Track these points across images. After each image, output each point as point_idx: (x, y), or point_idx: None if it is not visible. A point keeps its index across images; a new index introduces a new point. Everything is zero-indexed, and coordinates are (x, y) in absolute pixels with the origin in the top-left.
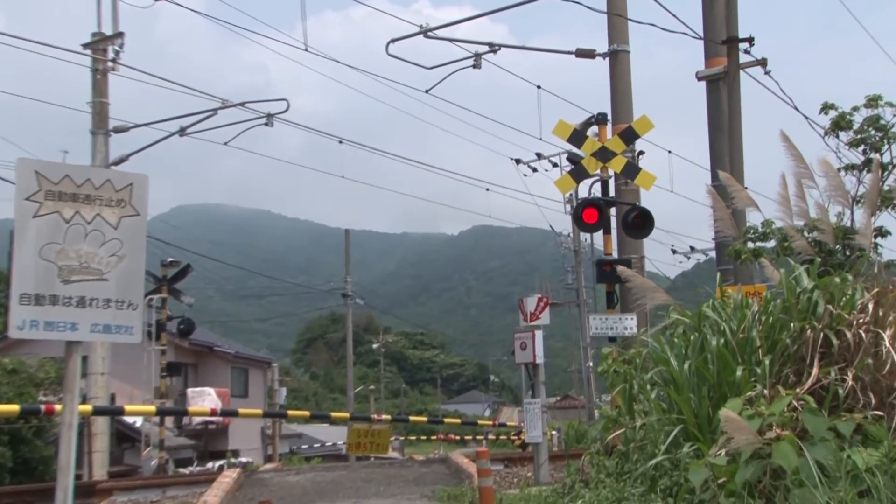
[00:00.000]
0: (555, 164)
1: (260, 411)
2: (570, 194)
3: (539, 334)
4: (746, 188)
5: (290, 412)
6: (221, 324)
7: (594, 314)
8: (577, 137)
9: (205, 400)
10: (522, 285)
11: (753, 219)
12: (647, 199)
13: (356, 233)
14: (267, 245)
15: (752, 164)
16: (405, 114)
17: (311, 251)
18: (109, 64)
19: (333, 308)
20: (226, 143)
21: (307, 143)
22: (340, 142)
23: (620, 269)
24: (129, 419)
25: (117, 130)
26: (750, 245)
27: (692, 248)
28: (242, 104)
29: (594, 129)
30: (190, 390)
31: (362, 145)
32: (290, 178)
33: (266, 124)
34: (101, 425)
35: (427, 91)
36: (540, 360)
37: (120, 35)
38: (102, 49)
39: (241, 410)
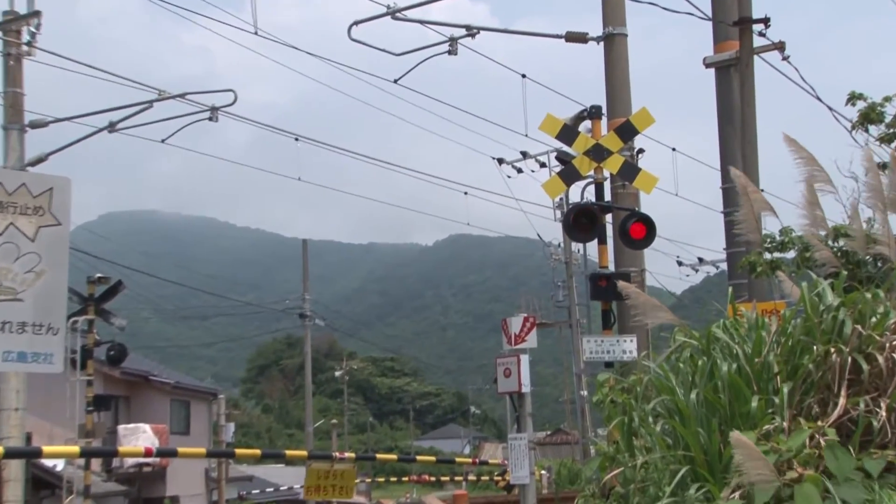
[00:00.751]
0: (542, 165)
1: (203, 450)
2: (560, 199)
3: (525, 359)
4: (762, 190)
5: (239, 451)
6: (159, 350)
7: (588, 336)
8: (568, 133)
9: (139, 438)
10: (506, 303)
11: (770, 226)
12: (649, 204)
13: (315, 243)
14: (212, 258)
15: (768, 163)
16: (371, 107)
17: (263, 265)
18: (24, 48)
19: (289, 330)
20: (163, 141)
21: (258, 140)
22: (297, 139)
23: (620, 284)
24: (48, 462)
25: (34, 125)
26: (766, 256)
27: (700, 260)
28: (182, 95)
29: (587, 123)
30: (121, 427)
31: (322, 143)
32: (239, 181)
33: (210, 119)
34: (15, 470)
35: (396, 81)
36: (526, 388)
37: (36, 14)
38: (15, 31)
39: (181, 450)
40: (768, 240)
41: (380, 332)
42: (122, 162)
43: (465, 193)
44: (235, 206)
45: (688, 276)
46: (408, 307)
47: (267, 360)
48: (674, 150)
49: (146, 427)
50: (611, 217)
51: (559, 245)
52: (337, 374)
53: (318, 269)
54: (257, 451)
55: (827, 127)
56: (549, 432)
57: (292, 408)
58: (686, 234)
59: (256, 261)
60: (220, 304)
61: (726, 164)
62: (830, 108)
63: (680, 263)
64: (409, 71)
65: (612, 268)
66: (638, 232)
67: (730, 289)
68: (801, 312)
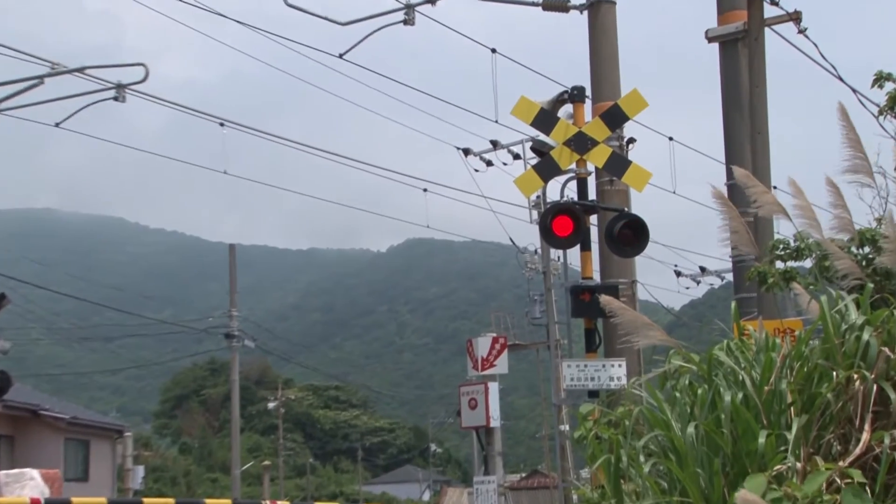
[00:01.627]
0: (516, 156)
1: (104, 500)
2: (537, 196)
3: (494, 388)
4: (775, 188)
5: (149, 501)
6: (52, 378)
7: (569, 360)
8: (545, 120)
9: (24, 487)
10: (473, 320)
11: (784, 230)
12: (641, 204)
13: (245, 248)
14: (119, 267)
15: (781, 154)
16: (313, 88)
17: (181, 275)
18: None
19: (213, 353)
20: (58, 125)
21: (175, 125)
22: (222, 124)
23: (604, 299)
24: None
25: None
26: (779, 265)
27: (702, 270)
28: (81, 70)
29: (568, 108)
30: (3, 474)
31: (254, 129)
32: (152, 174)
33: (116, 98)
34: None
35: (342, 56)
36: (495, 422)
37: None
38: None
39: (76, 500)
40: (780, 246)
41: (322, 356)
42: (8, 150)
43: (425, 190)
44: (148, 204)
45: (688, 288)
46: (356, 325)
47: (185, 390)
48: (671, 139)
49: (34, 473)
50: (596, 219)
51: (535, 252)
52: (270, 405)
53: (249, 280)
54: (171, 501)
55: (850, 112)
56: (523, 475)
57: (216, 447)
58: (686, 240)
59: (173, 270)
60: (128, 323)
61: (732, 157)
62: (854, 91)
63: (678, 274)
64: (358, 44)
65: (597, 279)
66: (628, 236)
67: (734, 304)
68: (820, 332)
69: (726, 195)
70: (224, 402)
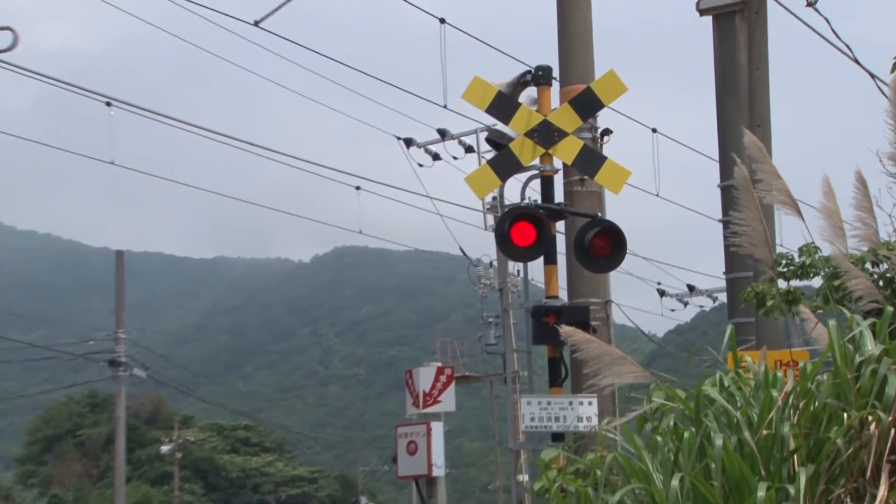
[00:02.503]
0: (469, 149)
1: None
2: (493, 198)
3: (439, 429)
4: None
5: None
6: None
7: (529, 396)
8: (503, 106)
9: None
10: (414, 346)
11: (788, 241)
12: (618, 209)
13: (136, 256)
14: None
15: (784, 152)
16: (222, 62)
17: (56, 287)
18: None
19: (94, 384)
20: None
21: (50, 104)
22: (109, 104)
23: (565, 330)
24: None
25: None
26: (781, 284)
27: (691, 289)
28: None
29: (531, 92)
30: None
31: (148, 111)
32: (19, 165)
33: None
34: None
35: (257, 24)
36: (439, 471)
37: None
38: None
39: None
40: (784, 261)
41: (230, 388)
42: None
43: (358, 188)
44: (13, 201)
45: (673, 311)
46: (272, 351)
47: (58, 430)
48: (654, 131)
49: None
50: (563, 226)
51: (490, 265)
52: (164, 449)
53: (140, 295)
54: None
55: (867, 102)
56: None
57: (95, 501)
58: (671, 252)
59: (46, 282)
60: None
61: (727, 154)
62: (873, 76)
63: (662, 293)
64: (278, 9)
65: (564, 298)
66: (601, 247)
67: (728, 330)
68: (829, 365)
69: (721, 200)
70: (106, 445)
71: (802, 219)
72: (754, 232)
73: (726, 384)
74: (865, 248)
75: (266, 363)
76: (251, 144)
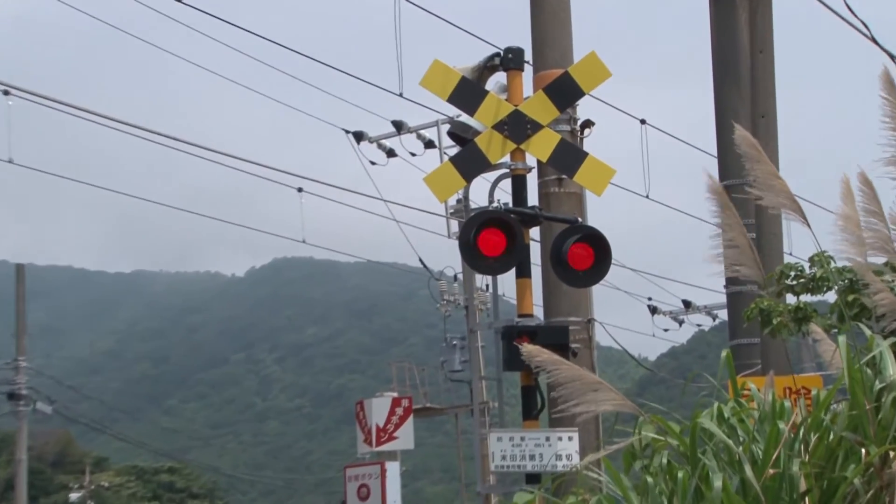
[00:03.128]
0: (428, 144)
1: None
2: (457, 200)
3: (395, 469)
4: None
5: None
6: None
7: (500, 430)
8: (468, 94)
9: None
10: (367, 374)
11: (798, 250)
12: (601, 213)
13: (39, 270)
14: None
15: (791, 146)
16: (139, 42)
17: None
18: None
19: None
20: None
21: None
22: (6, 92)
23: (528, 349)
24: None
25: None
26: (789, 300)
27: (687, 305)
28: None
29: (499, 78)
30: None
31: (49, 100)
32: None
33: None
34: None
35: None
36: None
37: None
38: None
39: None
40: (792, 273)
41: (151, 424)
42: None
43: (300, 190)
44: None
45: (666, 331)
46: (200, 381)
47: None
48: (643, 123)
49: None
50: (539, 233)
51: (455, 278)
52: (74, 496)
53: (45, 316)
54: None
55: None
56: None
57: None
58: (664, 262)
59: None
60: None
61: (726, 149)
62: (893, 57)
63: (653, 310)
64: None
65: (539, 317)
66: (582, 257)
67: (727, 352)
68: (845, 393)
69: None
70: (5, 493)
71: (808, 225)
72: (741, 254)
73: (727, 416)
74: (880, 259)
75: (194, 395)
76: (174, 140)
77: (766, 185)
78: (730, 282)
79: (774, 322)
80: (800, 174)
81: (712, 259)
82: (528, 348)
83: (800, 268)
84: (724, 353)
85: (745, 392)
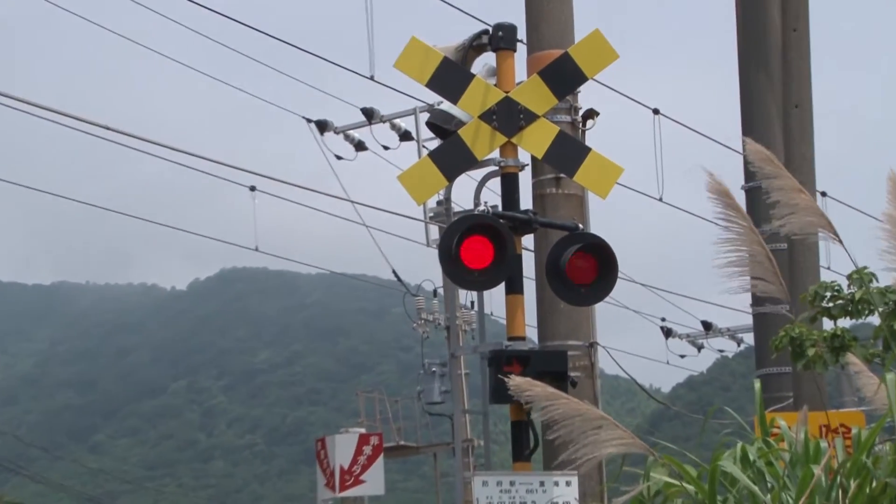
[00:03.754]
0: (404, 136)
1: None
2: (438, 202)
3: None
4: (823, 194)
5: None
6: None
7: (486, 473)
8: (450, 78)
9: None
10: (330, 406)
11: (838, 263)
12: (606, 218)
13: None
14: None
15: (828, 139)
16: (61, 11)
17: None
18: None
19: None
20: None
21: None
22: None
23: (518, 382)
24: None
25: None
26: (826, 324)
27: (707, 327)
28: None
29: (488, 59)
30: None
31: None
32: None
33: None
34: None
35: None
36: None
37: None
38: None
39: None
40: (828, 294)
41: (74, 463)
42: None
43: (253, 190)
44: None
45: (683, 356)
46: (133, 412)
47: None
48: (656, 113)
49: None
50: (532, 242)
51: (435, 293)
52: None
53: None
54: None
55: None
56: None
57: None
58: (680, 277)
59: None
60: None
61: (752, 143)
62: None
63: (668, 333)
64: None
65: (533, 339)
66: (583, 271)
67: (756, 384)
68: (891, 432)
69: (744, 205)
70: None
71: (840, 241)
72: (759, 262)
73: (752, 458)
74: None
75: (126, 429)
76: (103, 128)
77: (789, 204)
78: (756, 301)
79: (808, 353)
80: (837, 174)
81: (723, 271)
82: (516, 381)
83: (837, 287)
84: (756, 385)
85: (775, 430)
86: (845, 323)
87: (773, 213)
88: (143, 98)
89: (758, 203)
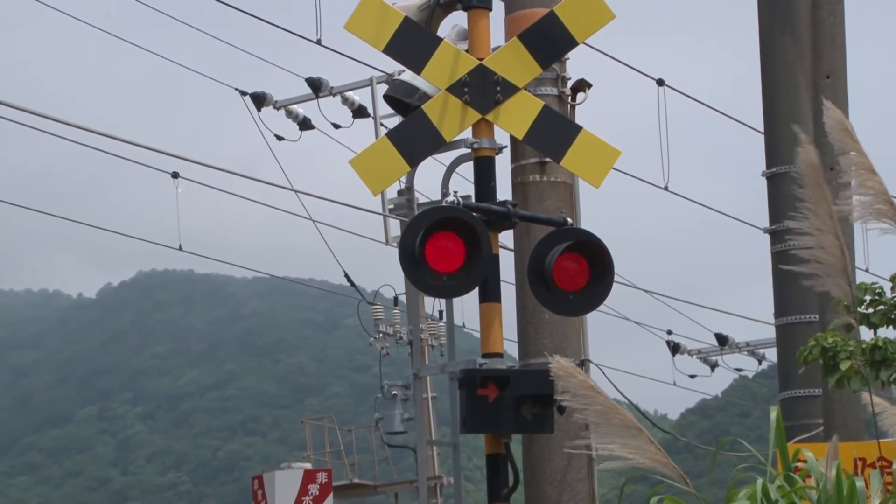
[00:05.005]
0: (359, 112)
1: None
2: (398, 192)
3: None
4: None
5: None
6: None
7: None
8: (413, 42)
9: None
10: (269, 437)
11: (878, 265)
12: (600, 212)
13: None
14: None
15: (864, 116)
16: None
17: None
18: None
19: None
20: None
21: None
22: None
23: (568, 371)
24: None
25: None
26: (863, 336)
27: (722, 341)
28: None
29: (457, 20)
30: None
31: None
32: None
33: None
34: None
35: None
36: None
37: None
38: None
39: None
40: (868, 298)
41: None
42: None
43: (175, 177)
44: None
45: (693, 376)
46: (33, 444)
47: None
48: (661, 84)
49: None
50: (512, 239)
51: (395, 301)
52: None
53: None
54: None
55: None
56: None
57: None
58: (688, 281)
59: None
60: None
61: (775, 120)
62: None
63: (675, 349)
64: None
65: (513, 356)
66: (573, 274)
67: (776, 410)
68: None
69: (767, 195)
70: None
71: None
72: (826, 253)
73: (774, 497)
74: None
75: (23, 465)
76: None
77: (864, 185)
78: (780, 310)
79: (842, 367)
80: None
81: (784, 272)
82: (560, 364)
83: (878, 289)
84: (774, 412)
85: (800, 464)
86: (888, 333)
87: (833, 177)
88: (30, 63)
89: (781, 193)
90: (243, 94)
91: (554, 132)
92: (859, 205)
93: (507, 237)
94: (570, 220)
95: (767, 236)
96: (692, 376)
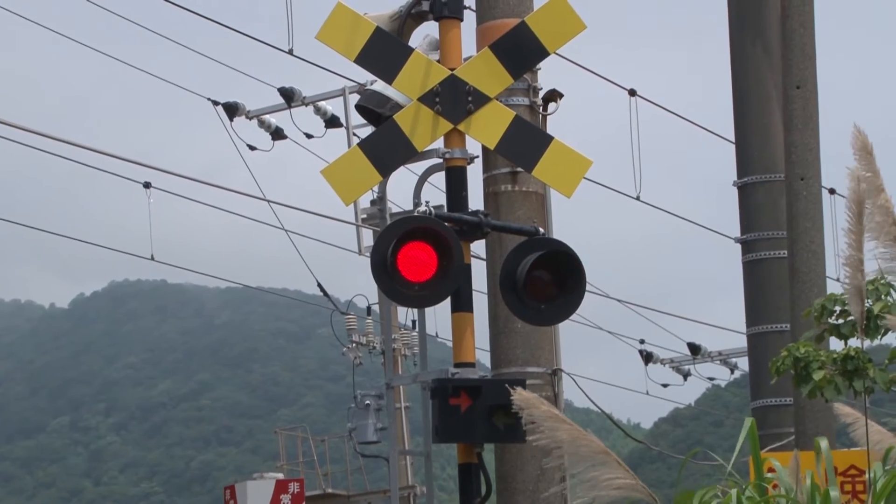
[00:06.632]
0: (331, 122)
1: None
2: (371, 201)
3: None
4: (832, 191)
5: None
6: None
7: None
8: (384, 52)
9: None
10: (242, 447)
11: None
12: (572, 221)
13: None
14: None
15: (833, 125)
16: None
17: None
18: None
19: None
20: None
21: None
22: None
23: (531, 403)
24: None
25: None
26: (833, 345)
27: (694, 350)
28: None
29: (429, 30)
30: None
31: None
32: None
33: None
34: None
35: None
36: None
37: None
38: None
39: None
40: (838, 308)
41: None
42: None
43: (147, 187)
44: None
45: (666, 386)
46: (3, 455)
47: None
48: (632, 94)
49: None
50: (484, 249)
51: (368, 311)
52: None
53: None
54: None
55: None
56: None
57: None
58: (660, 290)
59: None
60: None
61: (746, 131)
62: None
63: (648, 358)
64: None
65: (485, 365)
66: (544, 284)
67: (750, 420)
68: None
69: (738, 206)
70: None
71: None
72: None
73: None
74: None
75: None
76: None
77: (881, 207)
78: (751, 319)
79: (815, 378)
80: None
81: (755, 279)
82: (522, 395)
83: (843, 300)
84: (747, 423)
85: (770, 475)
86: (858, 343)
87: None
88: (13, 72)
89: (752, 203)
90: (216, 103)
91: (525, 142)
92: (875, 227)
93: (479, 247)
94: (541, 229)
95: (739, 247)
96: (665, 385)
